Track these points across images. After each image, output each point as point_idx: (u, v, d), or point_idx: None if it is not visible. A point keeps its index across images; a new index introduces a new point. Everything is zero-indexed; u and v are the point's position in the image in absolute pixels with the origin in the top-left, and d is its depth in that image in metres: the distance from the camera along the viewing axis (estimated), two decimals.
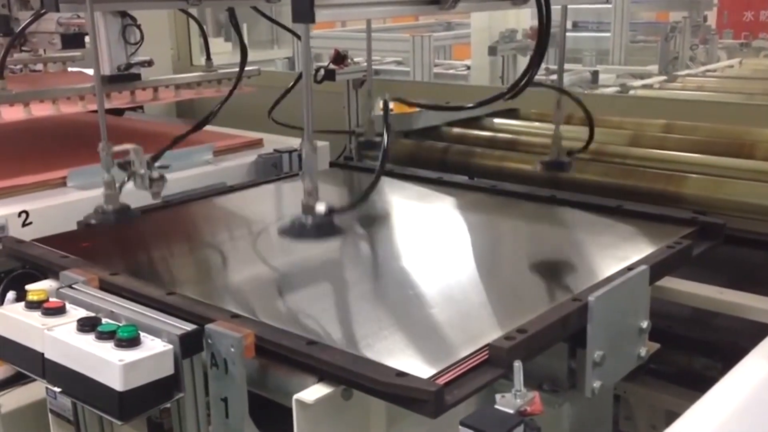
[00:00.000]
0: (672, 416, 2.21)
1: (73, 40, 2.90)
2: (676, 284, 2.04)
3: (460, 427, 1.21)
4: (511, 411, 1.25)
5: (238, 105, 2.90)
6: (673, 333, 2.21)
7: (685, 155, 2.55)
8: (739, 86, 3.46)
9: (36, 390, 2.33)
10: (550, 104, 3.04)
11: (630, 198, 2.38)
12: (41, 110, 2.65)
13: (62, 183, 2.54)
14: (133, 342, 1.44)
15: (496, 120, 3.14)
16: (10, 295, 1.89)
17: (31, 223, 2.30)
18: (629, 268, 1.71)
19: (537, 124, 3.08)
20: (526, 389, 1.28)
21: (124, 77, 2.69)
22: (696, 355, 2.25)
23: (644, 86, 3.28)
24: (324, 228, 1.79)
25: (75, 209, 2.35)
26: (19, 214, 2.27)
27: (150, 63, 2.74)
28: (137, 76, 2.74)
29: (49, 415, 1.96)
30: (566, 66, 3.51)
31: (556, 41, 5.55)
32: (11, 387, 2.37)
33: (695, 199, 2.32)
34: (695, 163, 2.50)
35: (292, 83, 2.74)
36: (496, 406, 1.26)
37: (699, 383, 2.11)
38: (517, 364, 1.29)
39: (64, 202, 2.41)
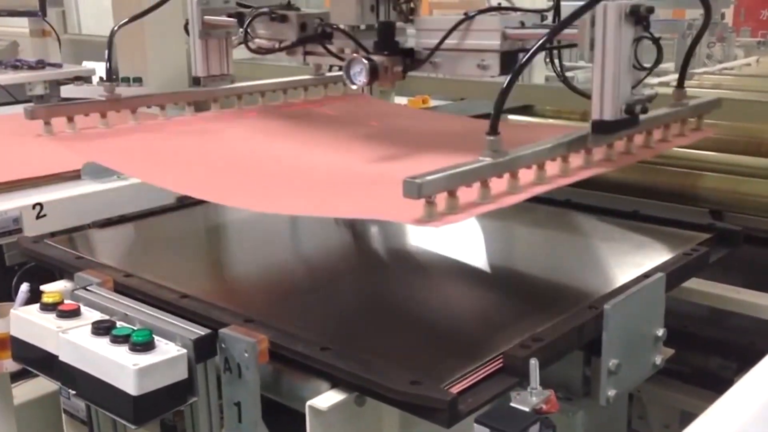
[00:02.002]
0: (686, 416, 2.21)
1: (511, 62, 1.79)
2: (692, 283, 2.02)
3: (475, 424, 1.20)
4: (527, 409, 1.24)
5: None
6: (689, 332, 2.20)
7: (703, 153, 2.52)
8: (757, 84, 3.43)
9: (48, 382, 2.34)
10: (565, 101, 3.03)
11: (647, 196, 2.37)
12: None
13: (76, 175, 2.55)
14: (147, 346, 1.44)
15: (511, 116, 3.12)
16: (24, 287, 1.90)
17: (45, 215, 2.31)
18: (645, 276, 1.70)
19: (552, 121, 3.07)
20: (542, 387, 1.27)
21: (623, 124, 1.66)
22: (711, 355, 2.24)
23: (661, 84, 3.24)
24: None
25: (89, 201, 2.36)
26: (34, 207, 2.28)
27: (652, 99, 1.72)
28: (633, 121, 1.68)
29: (63, 415, 1.97)
30: (582, 63, 3.50)
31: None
32: (25, 379, 2.39)
33: (713, 198, 2.30)
34: (713, 161, 2.49)
35: None
36: (512, 404, 1.25)
37: (714, 383, 2.11)
38: (533, 362, 1.28)
39: (79, 195, 2.42)
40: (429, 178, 1.37)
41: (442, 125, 2.47)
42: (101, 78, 4.19)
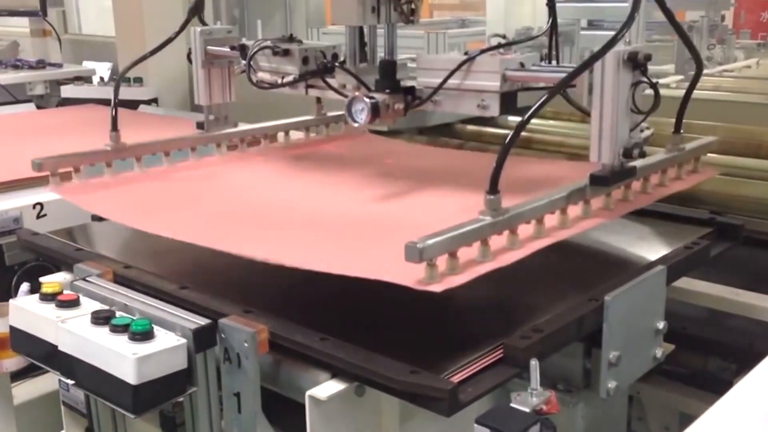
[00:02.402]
0: (685, 417, 2.20)
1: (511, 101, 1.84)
2: (691, 285, 2.02)
3: (475, 425, 1.20)
4: (527, 410, 1.24)
5: (255, 100, 2.88)
6: (688, 334, 2.19)
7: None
8: (757, 86, 3.43)
9: (49, 382, 2.34)
10: (565, 103, 3.03)
11: None
12: None
13: None
14: (146, 336, 1.45)
15: (511, 117, 3.11)
16: (24, 286, 1.90)
17: (45, 215, 2.31)
18: (646, 268, 1.70)
19: (552, 122, 3.06)
20: (542, 388, 1.27)
21: (621, 175, 1.71)
22: (710, 356, 2.24)
23: (661, 85, 3.24)
24: None
25: None
26: (34, 206, 2.28)
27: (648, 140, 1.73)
28: (631, 172, 1.74)
29: (62, 407, 1.97)
30: None
31: (570, 39, 5.53)
32: (24, 378, 2.38)
33: (712, 199, 2.30)
34: (713, 163, 2.48)
35: None
36: (512, 405, 1.25)
37: (713, 385, 2.10)
38: (534, 363, 1.28)
39: None
40: (430, 242, 1.38)
41: (447, 161, 2.46)
42: (101, 78, 4.21)
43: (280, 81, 2.16)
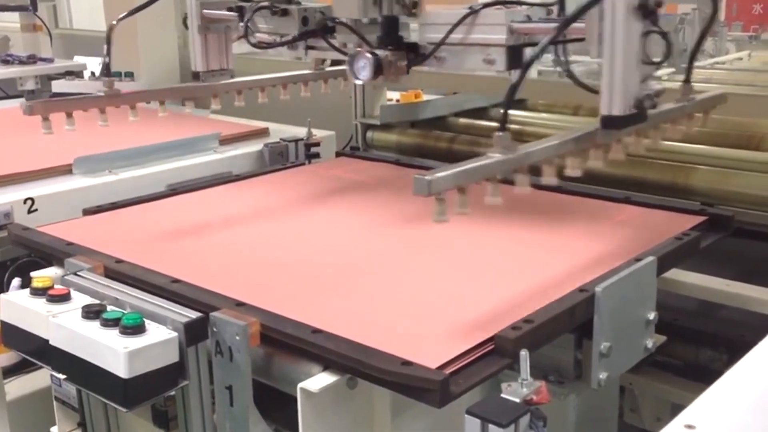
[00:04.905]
0: (677, 408, 2.20)
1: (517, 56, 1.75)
2: (682, 276, 2.03)
3: (466, 415, 1.21)
4: (518, 400, 1.24)
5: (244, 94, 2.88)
6: (679, 325, 2.20)
7: (694, 147, 2.53)
8: (749, 78, 3.44)
9: (41, 378, 2.34)
10: (557, 95, 3.03)
11: (638, 189, 2.37)
12: None
13: (68, 170, 2.54)
14: (138, 329, 1.44)
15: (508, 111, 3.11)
16: (15, 281, 1.90)
17: (36, 210, 2.30)
18: (637, 259, 1.70)
19: (544, 115, 3.07)
20: (533, 378, 1.27)
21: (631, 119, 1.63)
22: (702, 347, 2.24)
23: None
24: None
25: (80, 196, 2.35)
26: (25, 201, 2.27)
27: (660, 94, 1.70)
28: (642, 117, 1.65)
29: (54, 402, 1.97)
30: (575, 57, 3.49)
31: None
32: (16, 375, 2.38)
33: (703, 191, 2.31)
34: (704, 154, 2.49)
35: None
36: (503, 395, 1.26)
37: (704, 375, 2.11)
38: (524, 353, 1.28)
39: (70, 189, 2.41)
40: (438, 175, 1.38)
41: None
42: (92, 73, 4.18)
43: (278, 40, 2.10)
